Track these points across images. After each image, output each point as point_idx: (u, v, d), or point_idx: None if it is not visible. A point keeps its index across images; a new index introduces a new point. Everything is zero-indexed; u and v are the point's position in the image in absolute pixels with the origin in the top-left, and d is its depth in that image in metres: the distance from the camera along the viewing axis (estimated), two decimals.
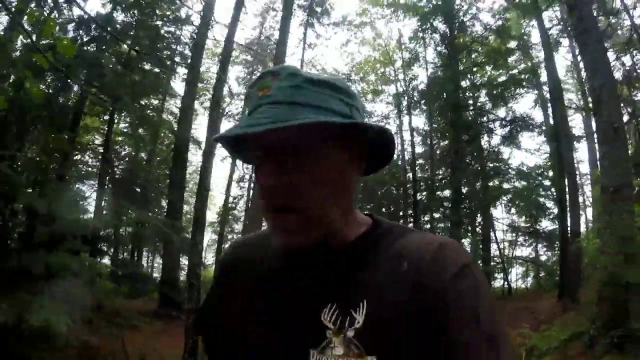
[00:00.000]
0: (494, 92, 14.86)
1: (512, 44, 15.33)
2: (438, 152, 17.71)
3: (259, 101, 0.64)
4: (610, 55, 12.23)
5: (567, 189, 13.48)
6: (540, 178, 15.76)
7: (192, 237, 7.03)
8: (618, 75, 12.60)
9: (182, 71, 13.06)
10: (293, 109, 0.61)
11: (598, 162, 6.91)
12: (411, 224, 15.86)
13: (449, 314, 0.57)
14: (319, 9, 14.95)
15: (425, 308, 0.58)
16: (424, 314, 0.58)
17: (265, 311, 0.70)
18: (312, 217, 0.64)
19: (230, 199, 19.76)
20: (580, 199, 15.86)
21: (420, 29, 14.78)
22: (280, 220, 0.65)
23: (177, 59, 12.47)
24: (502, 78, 15.39)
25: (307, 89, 0.63)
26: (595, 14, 6.85)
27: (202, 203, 8.70)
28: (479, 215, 16.60)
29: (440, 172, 17.68)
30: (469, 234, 16.24)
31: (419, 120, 20.12)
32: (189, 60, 11.86)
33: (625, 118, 12.44)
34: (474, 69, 15.14)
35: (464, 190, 15.74)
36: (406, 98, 17.62)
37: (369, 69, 19.15)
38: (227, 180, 20.06)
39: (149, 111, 12.92)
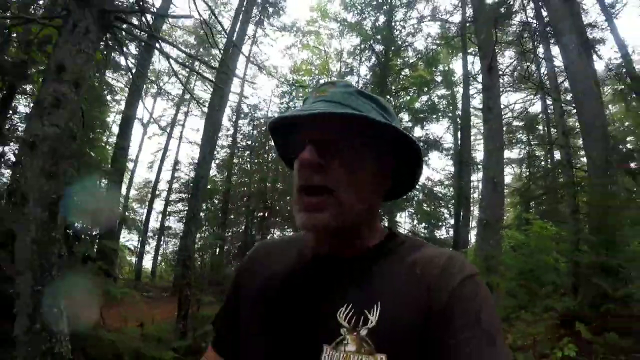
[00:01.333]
0: (415, 115, 16.49)
1: (438, 75, 17.17)
2: None
3: (316, 99, 0.73)
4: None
5: (461, 208, 15.85)
6: (441, 194, 18.00)
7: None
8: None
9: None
10: (343, 108, 0.69)
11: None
12: None
13: (455, 314, 0.62)
14: (271, 9, 15.33)
15: (433, 311, 0.63)
16: (432, 316, 0.63)
17: (284, 308, 0.74)
18: (342, 201, 0.69)
19: None
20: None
21: (359, 47, 15.94)
22: (311, 201, 0.69)
23: None
24: (424, 101, 17.10)
25: (357, 97, 0.73)
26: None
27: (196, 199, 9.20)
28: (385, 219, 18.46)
29: None
30: None
31: None
32: None
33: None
34: (401, 92, 16.62)
35: None
36: None
37: (305, 74, 19.95)
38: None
39: None
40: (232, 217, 17.34)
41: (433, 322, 0.62)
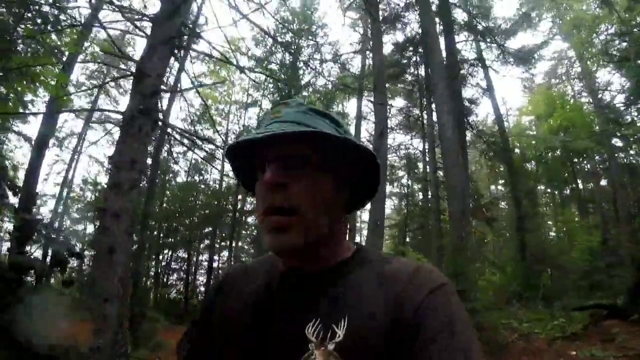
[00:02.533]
0: None
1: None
2: None
3: (271, 121, 0.75)
4: None
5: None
6: None
7: None
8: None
9: None
10: (298, 127, 0.71)
11: None
12: None
13: (425, 328, 0.62)
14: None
15: (402, 323, 0.64)
16: (401, 328, 0.63)
17: (255, 328, 0.75)
18: (306, 219, 0.70)
19: None
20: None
21: (264, 84, 16.79)
22: (277, 221, 0.70)
23: None
24: None
25: (311, 115, 0.75)
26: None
27: None
28: None
29: None
30: None
31: None
32: None
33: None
34: None
35: None
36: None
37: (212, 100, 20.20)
38: None
39: None
40: None
41: (401, 336, 0.63)
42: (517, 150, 18.60)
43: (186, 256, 19.87)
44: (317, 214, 0.71)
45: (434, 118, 11.39)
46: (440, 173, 13.91)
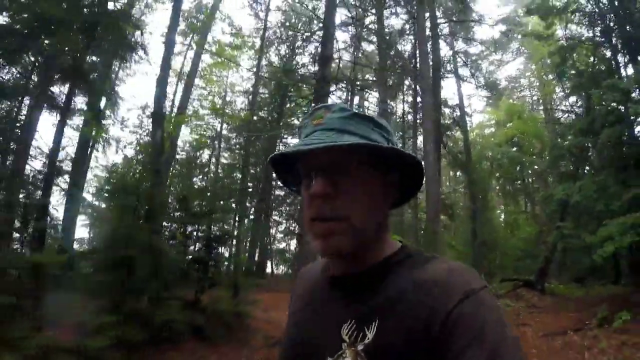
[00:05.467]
0: None
1: None
2: None
3: (314, 128, 0.76)
4: None
5: None
6: None
7: None
8: None
9: None
10: (342, 135, 0.73)
11: None
12: None
13: (455, 334, 0.61)
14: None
15: (431, 332, 0.64)
16: (431, 337, 0.63)
17: (303, 324, 0.85)
18: (353, 225, 0.73)
19: None
20: None
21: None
22: (324, 227, 0.73)
23: None
24: None
25: (354, 120, 0.76)
26: None
27: None
28: None
29: None
30: None
31: None
32: None
33: None
34: None
35: None
36: None
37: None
38: None
39: None
40: None
41: (432, 343, 0.63)
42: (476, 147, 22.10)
43: None
44: (364, 220, 0.74)
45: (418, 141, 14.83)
46: None
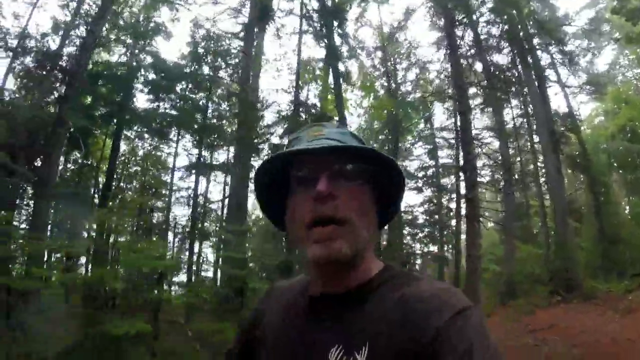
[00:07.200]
0: None
1: None
2: None
3: (314, 138, 0.78)
4: None
5: None
6: None
7: None
8: None
9: None
10: (345, 145, 0.76)
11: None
12: None
13: (444, 351, 0.62)
14: None
15: (421, 351, 0.64)
16: (421, 354, 0.63)
17: (283, 348, 0.80)
18: (354, 229, 0.73)
19: None
20: None
21: None
22: (325, 231, 0.72)
23: None
24: None
25: (350, 137, 0.81)
26: None
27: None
28: None
29: None
30: None
31: None
32: None
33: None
34: None
35: None
36: None
37: None
38: None
39: None
40: None
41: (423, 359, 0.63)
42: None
43: None
44: (362, 225, 0.75)
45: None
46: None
